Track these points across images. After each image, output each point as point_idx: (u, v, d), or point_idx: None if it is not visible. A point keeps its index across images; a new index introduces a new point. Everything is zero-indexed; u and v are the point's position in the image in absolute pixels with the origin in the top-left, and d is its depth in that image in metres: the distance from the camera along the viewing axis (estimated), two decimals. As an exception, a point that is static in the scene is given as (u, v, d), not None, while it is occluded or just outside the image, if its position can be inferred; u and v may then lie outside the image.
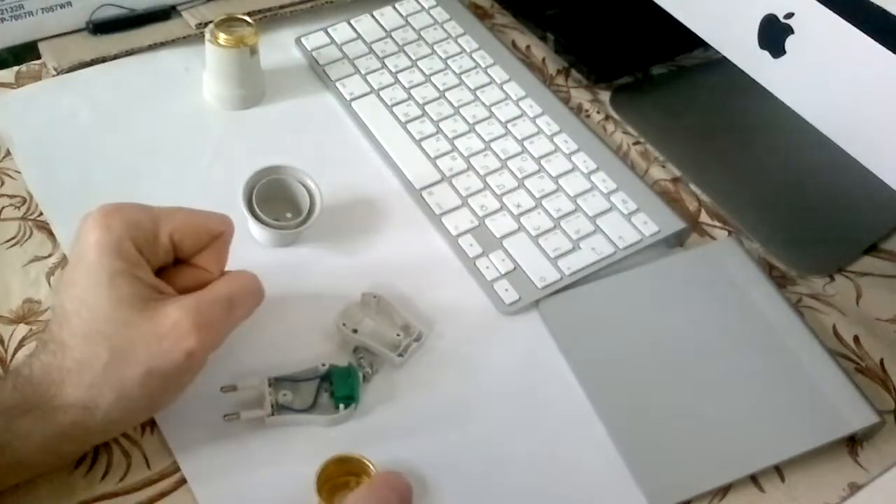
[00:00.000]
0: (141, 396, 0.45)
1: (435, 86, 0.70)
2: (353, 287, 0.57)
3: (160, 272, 0.48)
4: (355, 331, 0.55)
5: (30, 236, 0.60)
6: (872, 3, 0.52)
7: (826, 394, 0.54)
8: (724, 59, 0.63)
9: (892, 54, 0.52)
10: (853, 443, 0.54)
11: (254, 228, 0.59)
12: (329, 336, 0.56)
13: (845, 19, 0.54)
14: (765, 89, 0.60)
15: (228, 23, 0.66)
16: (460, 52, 0.73)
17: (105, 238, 0.45)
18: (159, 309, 0.45)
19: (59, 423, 0.44)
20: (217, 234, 0.49)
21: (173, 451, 0.50)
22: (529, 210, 0.63)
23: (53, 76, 0.70)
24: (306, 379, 0.52)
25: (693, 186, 0.68)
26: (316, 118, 0.70)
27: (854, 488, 0.52)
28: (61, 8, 0.70)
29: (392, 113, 0.68)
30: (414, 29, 0.75)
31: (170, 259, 0.48)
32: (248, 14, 0.68)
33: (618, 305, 0.58)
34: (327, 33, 0.74)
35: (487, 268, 0.59)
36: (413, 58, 0.72)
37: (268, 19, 0.74)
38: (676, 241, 0.63)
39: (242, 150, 0.66)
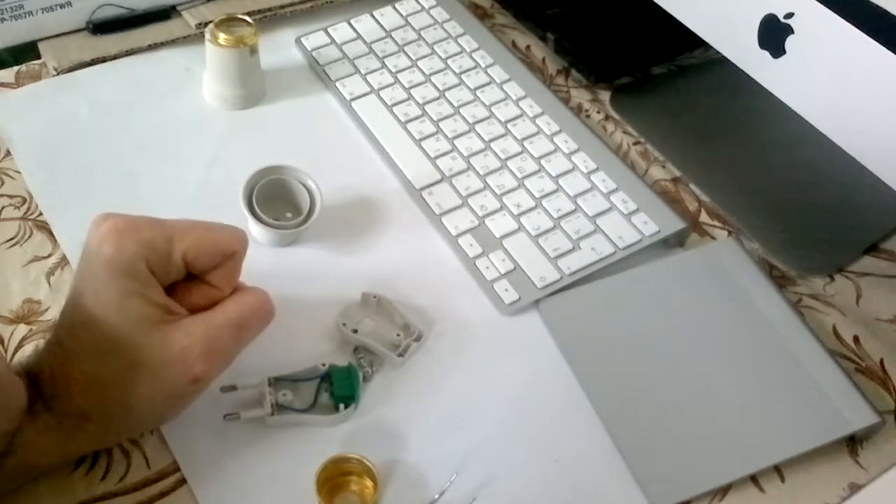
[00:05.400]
0: (146, 413, 0.46)
1: (435, 86, 0.70)
2: (353, 287, 0.57)
3: (171, 285, 0.48)
4: (355, 331, 0.55)
5: (30, 236, 0.60)
6: (872, 3, 0.52)
7: (826, 394, 0.53)
8: (724, 59, 0.63)
9: (892, 54, 0.52)
10: (853, 443, 0.54)
11: (254, 228, 0.59)
12: (329, 336, 0.56)
13: (845, 19, 0.54)
14: (765, 89, 0.60)
15: (228, 23, 0.66)
16: (460, 52, 0.73)
17: (117, 258, 0.44)
18: (168, 334, 0.45)
19: (65, 428, 0.45)
20: (230, 254, 0.48)
21: (173, 451, 0.50)
22: (529, 210, 0.63)
23: (53, 76, 0.70)
24: (306, 379, 0.52)
25: (693, 186, 0.68)
26: (316, 118, 0.70)
27: (854, 488, 0.52)
28: (61, 8, 0.70)
29: (392, 113, 0.68)
30: (414, 29, 0.75)
31: (181, 276, 0.48)
32: (248, 14, 0.68)
33: (618, 305, 0.58)
34: (327, 33, 0.74)
35: (487, 268, 0.59)
36: (413, 58, 0.72)
37: (268, 19, 0.74)
38: (676, 241, 0.63)
39: (242, 150, 0.66)
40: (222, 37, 0.65)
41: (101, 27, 0.71)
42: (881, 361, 0.58)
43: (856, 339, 0.59)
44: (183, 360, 0.44)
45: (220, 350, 0.46)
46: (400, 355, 0.54)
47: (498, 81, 0.71)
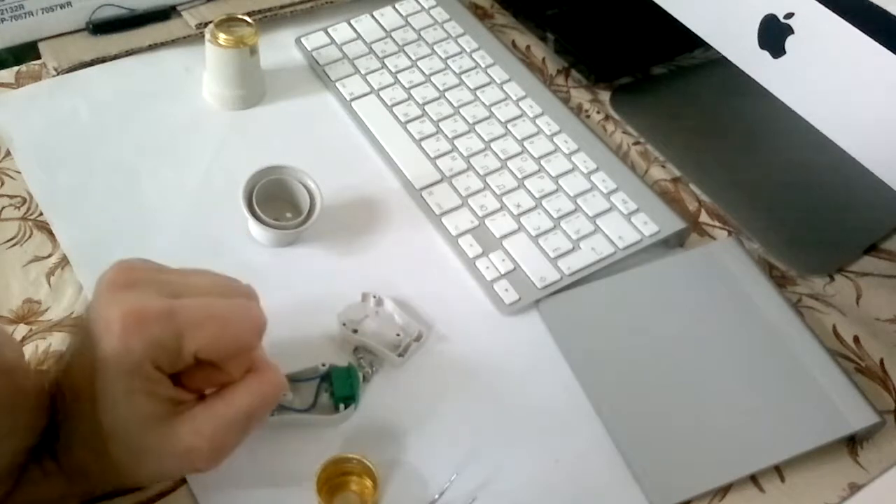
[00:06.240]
0: (142, 483, 0.48)
1: (435, 86, 0.70)
2: (353, 287, 0.57)
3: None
4: (355, 331, 0.55)
5: (30, 236, 0.60)
6: (872, 3, 0.52)
7: (826, 394, 0.53)
8: (724, 59, 0.63)
9: (892, 54, 0.52)
10: (853, 443, 0.54)
11: (254, 228, 0.59)
12: (329, 336, 0.56)
13: (845, 19, 0.54)
14: (765, 89, 0.60)
15: (228, 23, 0.66)
16: (460, 52, 0.73)
17: (125, 358, 0.41)
18: (175, 428, 0.43)
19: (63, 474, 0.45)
20: (246, 348, 0.45)
21: (173, 451, 0.50)
22: (529, 210, 0.63)
23: (53, 76, 0.70)
24: (306, 379, 0.52)
25: (693, 186, 0.68)
26: (316, 118, 0.70)
27: (854, 488, 0.52)
28: (61, 8, 0.70)
29: (392, 113, 0.68)
30: (414, 29, 0.75)
31: (191, 365, 0.44)
32: (248, 14, 0.68)
33: (618, 305, 0.58)
34: (327, 33, 0.74)
35: (487, 268, 0.59)
36: (413, 58, 0.72)
37: (268, 19, 0.74)
38: (676, 241, 0.63)
39: (242, 150, 0.66)
40: (222, 37, 0.65)
41: (101, 27, 0.71)
42: (881, 361, 0.58)
43: (856, 339, 0.59)
44: (189, 458, 0.43)
45: (226, 446, 0.44)
46: (400, 355, 0.54)
47: (498, 81, 0.71)
